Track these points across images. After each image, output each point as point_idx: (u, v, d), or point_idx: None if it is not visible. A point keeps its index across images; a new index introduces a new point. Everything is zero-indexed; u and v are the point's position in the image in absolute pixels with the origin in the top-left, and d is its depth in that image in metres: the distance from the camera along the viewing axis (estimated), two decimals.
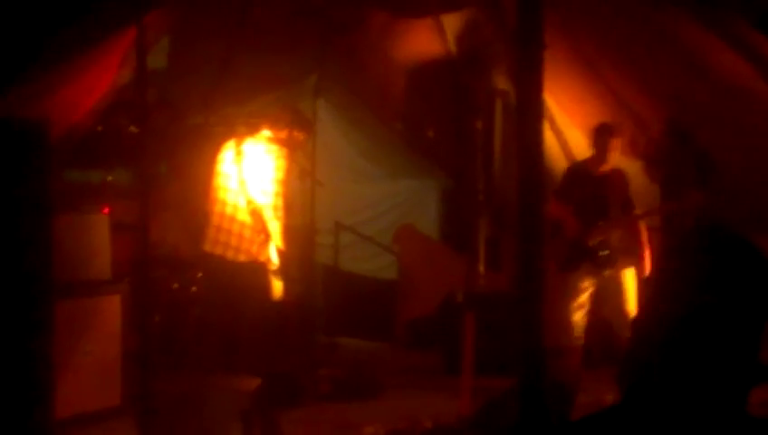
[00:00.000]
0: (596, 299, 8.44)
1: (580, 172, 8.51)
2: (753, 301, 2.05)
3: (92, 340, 7.43)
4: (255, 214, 7.46)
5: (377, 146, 12.42)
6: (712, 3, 8.01)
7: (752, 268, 2.07)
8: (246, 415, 6.19)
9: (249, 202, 7.47)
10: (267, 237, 7.47)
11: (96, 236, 7.61)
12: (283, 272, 7.63)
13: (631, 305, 8.37)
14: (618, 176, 8.53)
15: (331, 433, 7.57)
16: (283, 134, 7.73)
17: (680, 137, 9.21)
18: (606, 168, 8.42)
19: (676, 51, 8.70)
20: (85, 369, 7.35)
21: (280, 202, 7.59)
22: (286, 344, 9.58)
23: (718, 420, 2.03)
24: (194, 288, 8.76)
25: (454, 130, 10.84)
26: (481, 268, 9.40)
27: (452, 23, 10.32)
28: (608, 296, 8.41)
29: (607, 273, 8.37)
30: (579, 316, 8.36)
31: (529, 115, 3.03)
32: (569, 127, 10.79)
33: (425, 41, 10.54)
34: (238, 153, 7.58)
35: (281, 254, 7.60)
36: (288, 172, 7.69)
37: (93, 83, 8.12)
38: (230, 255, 7.51)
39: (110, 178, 9.15)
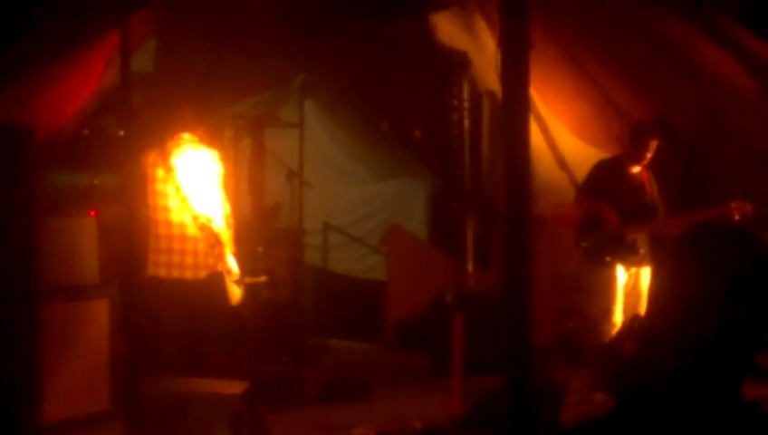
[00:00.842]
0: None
1: (613, 169, 8.47)
2: (757, 292, 2.06)
3: (81, 344, 7.39)
4: (205, 229, 7.18)
5: (364, 146, 12.42)
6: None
7: (757, 261, 2.08)
8: (235, 418, 6.15)
9: (196, 218, 7.18)
10: (223, 248, 7.22)
11: (83, 240, 7.57)
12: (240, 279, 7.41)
13: (642, 307, 8.39)
14: (650, 176, 8.55)
15: None
16: (198, 133, 7.39)
17: (668, 136, 9.21)
18: (640, 166, 8.42)
19: (662, 48, 8.72)
20: (74, 373, 7.32)
21: (228, 208, 7.35)
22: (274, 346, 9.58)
23: (717, 414, 2.03)
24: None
25: (441, 129, 10.84)
26: (470, 268, 9.41)
27: (439, 22, 10.31)
28: (627, 293, 8.42)
29: (632, 269, 8.40)
30: (618, 310, 8.37)
31: (515, 114, 3.01)
32: (556, 125, 10.79)
33: (411, 40, 10.53)
34: (168, 169, 7.20)
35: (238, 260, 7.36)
36: (221, 173, 7.39)
37: (78, 87, 8.09)
38: (175, 274, 7.25)
39: (96, 181, 9.11)
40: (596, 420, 2.16)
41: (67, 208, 7.83)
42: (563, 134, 10.81)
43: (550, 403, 6.32)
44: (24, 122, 6.70)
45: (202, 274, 7.21)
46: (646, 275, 8.42)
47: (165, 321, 7.50)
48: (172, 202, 7.17)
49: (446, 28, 10.24)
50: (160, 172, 7.19)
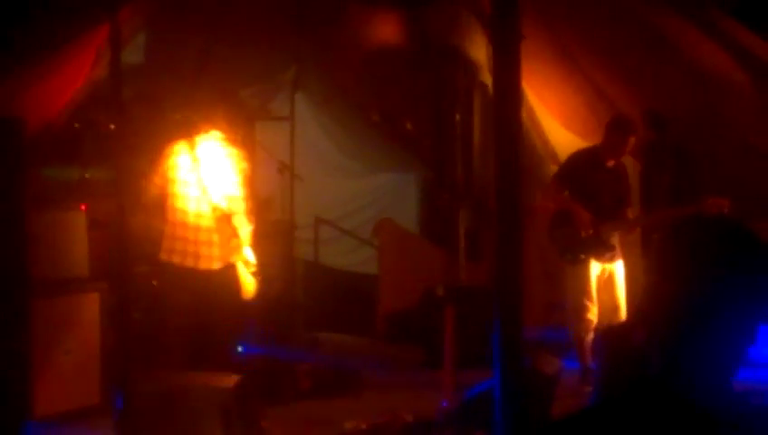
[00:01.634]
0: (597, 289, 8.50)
1: (588, 160, 8.47)
2: (750, 284, 2.06)
3: (71, 338, 7.39)
4: (223, 221, 7.18)
5: (356, 139, 12.40)
6: None
7: (748, 252, 2.08)
8: (226, 412, 6.15)
9: (215, 209, 7.17)
10: (240, 241, 7.23)
11: (73, 234, 7.56)
12: (261, 271, 7.44)
13: (621, 296, 8.43)
14: (625, 169, 8.57)
15: (311, 429, 7.54)
16: (232, 133, 7.42)
17: (658, 127, 9.22)
18: (616, 160, 8.43)
19: (655, 41, 8.72)
20: (64, 367, 7.31)
21: (251, 205, 7.36)
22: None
23: (707, 407, 2.03)
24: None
25: (433, 122, 10.83)
26: (461, 261, 9.41)
27: (430, 14, 10.31)
28: (603, 287, 8.44)
29: (607, 265, 8.43)
30: (593, 306, 8.41)
31: (507, 107, 3.00)
32: (548, 118, 10.79)
33: (403, 33, 10.52)
34: (194, 159, 7.27)
35: (255, 252, 7.38)
36: (251, 173, 7.41)
37: (68, 80, 8.07)
38: (189, 262, 7.23)
39: (87, 175, 9.08)
40: (585, 411, 2.16)
41: (58, 202, 7.81)
42: (555, 127, 10.81)
43: (540, 396, 6.32)
44: (15, 116, 6.68)
45: (216, 265, 7.20)
46: (619, 266, 8.47)
47: (172, 312, 7.51)
48: (193, 191, 7.18)
49: (438, 21, 10.23)
50: (186, 161, 7.22)
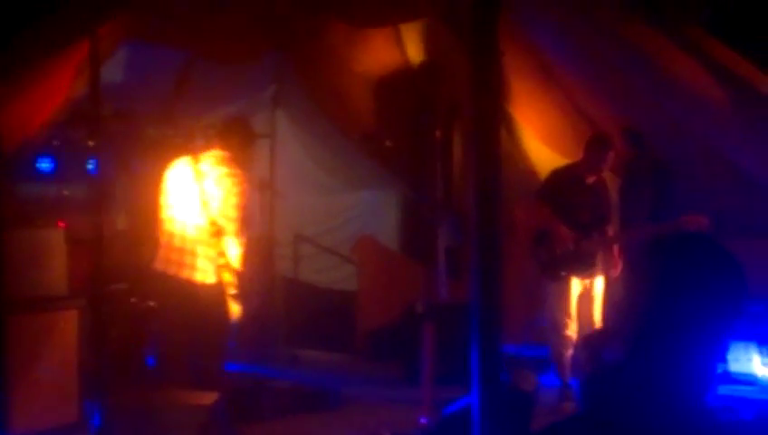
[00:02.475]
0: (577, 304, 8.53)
1: (569, 178, 8.51)
2: (724, 300, 2.07)
3: (49, 355, 7.35)
4: (216, 237, 7.21)
5: (336, 157, 12.40)
6: (666, 10, 8.07)
7: (722, 269, 2.09)
8: (205, 430, 6.13)
9: (213, 223, 7.20)
10: (226, 262, 7.25)
11: (51, 251, 7.53)
12: (242, 294, 7.44)
13: (598, 313, 8.47)
14: (605, 185, 8.60)
15: None
16: (239, 154, 7.49)
17: (637, 144, 9.26)
18: (596, 177, 8.47)
19: (633, 59, 8.75)
20: (42, 385, 7.27)
21: (241, 228, 7.39)
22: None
23: (682, 422, 2.03)
24: (152, 302, 8.67)
25: (413, 140, 10.84)
26: (441, 277, 9.41)
27: (410, 32, 10.33)
28: (582, 303, 8.47)
29: (587, 281, 8.47)
30: (572, 322, 8.45)
31: (486, 123, 3.00)
32: (528, 135, 10.82)
33: (383, 50, 10.54)
34: (198, 173, 7.32)
35: (239, 275, 7.39)
36: (245, 195, 7.46)
37: (47, 96, 8.04)
38: (185, 274, 7.26)
39: (66, 191, 9.05)
40: (560, 423, 2.18)
41: (36, 219, 7.78)
42: (535, 143, 10.84)
43: (518, 413, 6.32)
44: None
45: (210, 278, 7.21)
46: (599, 283, 8.50)
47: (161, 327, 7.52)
48: (194, 204, 7.21)
49: (417, 38, 10.26)
50: (188, 173, 7.25)
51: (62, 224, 7.79)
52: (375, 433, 7.43)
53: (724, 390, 8.79)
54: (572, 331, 8.43)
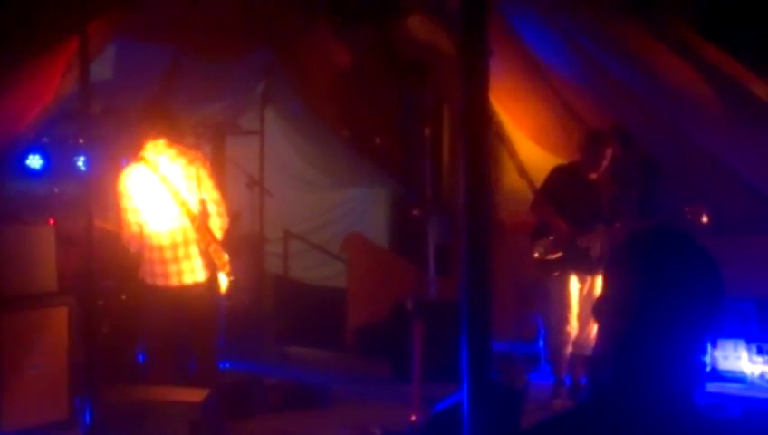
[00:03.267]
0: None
1: (570, 175, 8.52)
2: (699, 297, 2.08)
3: (39, 353, 7.34)
4: (201, 229, 7.18)
5: (325, 154, 12.41)
6: (654, 8, 8.08)
7: (697, 265, 2.11)
8: (195, 427, 6.13)
9: (194, 219, 7.16)
10: (218, 247, 7.23)
11: (41, 248, 7.52)
12: (232, 290, 7.43)
13: None
14: (608, 183, 8.60)
15: None
16: (173, 137, 7.37)
17: (625, 142, 9.28)
18: (597, 174, 8.48)
19: (621, 57, 8.77)
20: (32, 382, 7.26)
21: (221, 204, 7.37)
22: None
23: (674, 420, 2.04)
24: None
25: (402, 137, 10.85)
26: (431, 274, 9.42)
27: (401, 30, 10.33)
28: (581, 301, 8.48)
29: (587, 278, 8.47)
30: (573, 318, 8.46)
31: (475, 121, 3.02)
32: (516, 133, 10.84)
33: (372, 48, 10.54)
34: (163, 177, 7.15)
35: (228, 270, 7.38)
36: (212, 172, 7.45)
37: (37, 94, 8.03)
38: (174, 282, 7.22)
39: (56, 189, 9.05)
40: (549, 420, 2.19)
41: (26, 217, 7.78)
42: (523, 142, 10.86)
43: (509, 410, 6.34)
44: None
45: (200, 276, 7.19)
46: (599, 280, 8.49)
47: (149, 326, 7.49)
48: (167, 209, 7.15)
49: (408, 35, 10.26)
50: (151, 182, 7.15)
51: (51, 221, 7.79)
52: (365, 430, 7.44)
53: (712, 387, 8.83)
54: (573, 328, 8.44)
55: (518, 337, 10.35)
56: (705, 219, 7.86)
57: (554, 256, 8.47)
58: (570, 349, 8.49)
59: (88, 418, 5.82)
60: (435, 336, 7.88)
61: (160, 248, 7.12)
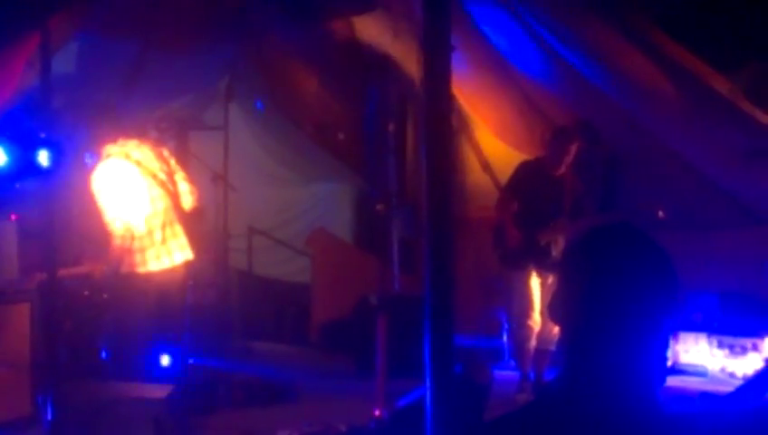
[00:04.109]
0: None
1: (535, 171, 8.55)
2: (653, 294, 2.09)
3: (1, 349, 7.29)
4: (188, 218, 7.33)
5: (290, 149, 12.40)
6: (618, 5, 8.12)
7: (649, 262, 2.11)
8: (159, 423, 6.12)
9: (174, 196, 7.32)
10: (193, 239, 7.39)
11: (3, 243, 7.47)
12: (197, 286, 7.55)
13: None
14: (573, 178, 8.63)
15: None
16: (115, 134, 7.47)
17: (590, 138, 9.32)
18: (562, 170, 8.50)
19: (585, 53, 8.80)
20: None
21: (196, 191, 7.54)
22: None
23: (631, 416, 2.05)
24: (105, 295, 8.62)
25: (365, 133, 10.84)
26: (395, 270, 9.43)
27: (363, 25, 10.33)
28: (543, 296, 8.50)
29: (548, 274, 8.49)
30: (536, 313, 8.49)
31: (437, 118, 3.02)
32: (480, 128, 10.87)
33: (336, 43, 10.53)
34: (142, 166, 7.31)
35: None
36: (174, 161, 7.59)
37: None
38: (141, 269, 7.31)
39: (17, 184, 8.98)
40: (507, 415, 2.20)
41: None
42: (488, 137, 10.89)
43: (472, 405, 6.36)
44: None
45: (169, 262, 7.34)
46: None
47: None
48: (142, 196, 7.30)
49: (370, 30, 10.26)
50: (128, 169, 7.30)
51: (14, 216, 7.73)
52: (329, 425, 7.44)
53: (673, 381, 8.88)
54: (535, 322, 8.47)
55: (483, 331, 10.38)
56: (660, 214, 7.91)
57: (515, 251, 8.50)
58: (533, 343, 8.53)
59: (49, 415, 5.79)
60: (399, 331, 7.89)
61: (149, 233, 7.25)
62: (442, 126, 3.04)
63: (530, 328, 8.48)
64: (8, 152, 9.15)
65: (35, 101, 6.99)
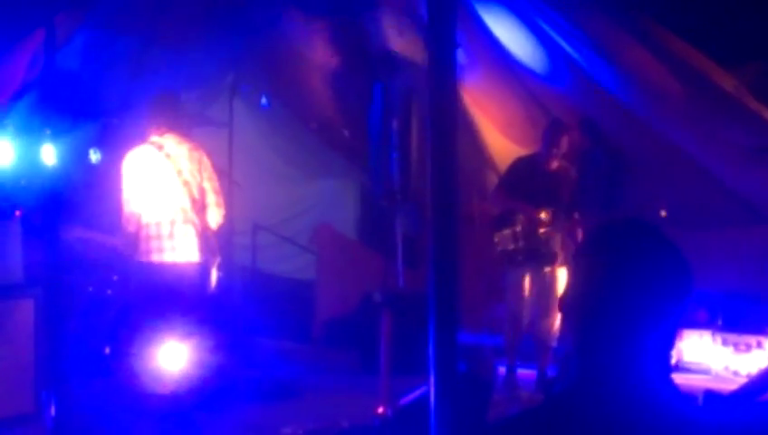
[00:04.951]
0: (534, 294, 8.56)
1: (530, 166, 8.54)
2: (667, 291, 2.08)
3: (5, 345, 7.29)
4: (200, 214, 7.35)
5: (294, 146, 12.38)
6: (623, 2, 8.12)
7: (664, 258, 2.10)
8: (163, 419, 6.12)
9: (195, 202, 7.34)
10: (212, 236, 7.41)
11: (7, 240, 7.47)
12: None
13: (554, 303, 8.48)
14: (568, 172, 8.62)
15: None
16: (178, 128, 7.52)
17: (594, 135, 9.31)
18: (556, 163, 8.49)
19: (591, 52, 8.79)
20: None
21: (219, 198, 7.59)
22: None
23: (635, 412, 2.05)
24: (108, 291, 8.64)
25: (370, 129, 10.83)
26: (399, 266, 9.43)
27: (369, 22, 10.31)
28: (541, 292, 8.49)
29: (547, 269, 8.48)
30: (526, 312, 8.49)
31: (442, 114, 3.02)
32: (485, 125, 10.85)
33: (341, 39, 10.52)
34: (169, 156, 7.35)
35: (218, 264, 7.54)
36: (213, 166, 7.62)
37: (2, 83, 7.98)
38: (168, 258, 7.33)
39: (22, 181, 8.98)
40: (519, 414, 2.19)
41: None
42: (493, 134, 10.87)
43: (476, 401, 6.35)
44: None
45: (194, 256, 7.36)
46: (561, 274, 8.51)
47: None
48: (167, 186, 7.28)
49: (377, 27, 10.25)
50: (157, 158, 7.32)
51: (18, 213, 7.73)
52: (333, 422, 7.44)
53: (677, 378, 8.84)
54: (525, 320, 8.48)
55: (487, 328, 10.37)
56: (663, 213, 7.91)
57: (512, 248, 8.50)
58: (519, 339, 8.57)
59: (54, 411, 5.79)
60: (403, 328, 7.89)
61: (158, 224, 7.27)
62: (447, 123, 3.04)
63: (520, 326, 8.51)
64: (12, 149, 9.16)
65: (40, 97, 7.02)
